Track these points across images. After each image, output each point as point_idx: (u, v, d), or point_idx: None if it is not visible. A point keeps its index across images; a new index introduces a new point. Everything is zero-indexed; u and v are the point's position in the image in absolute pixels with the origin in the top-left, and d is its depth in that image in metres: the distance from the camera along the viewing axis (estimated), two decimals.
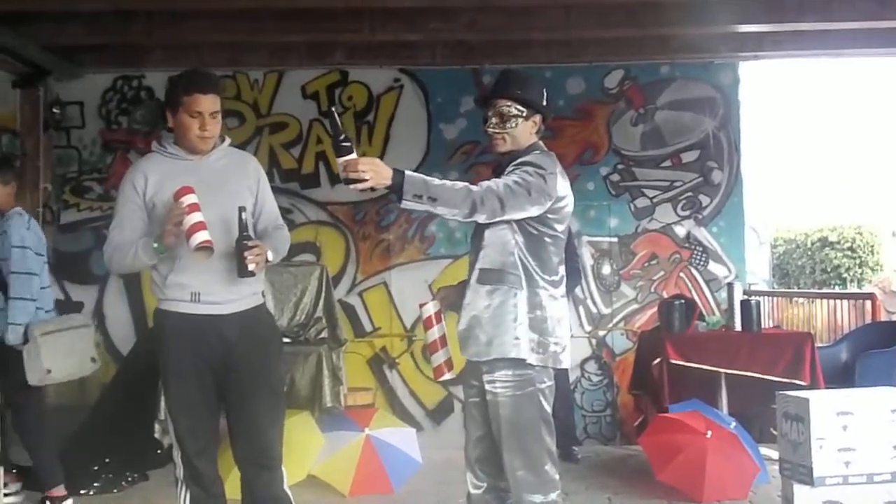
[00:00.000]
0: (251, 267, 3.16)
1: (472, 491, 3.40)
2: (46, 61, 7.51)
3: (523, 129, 3.29)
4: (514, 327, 3.18)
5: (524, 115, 3.27)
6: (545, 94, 3.38)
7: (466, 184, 3.08)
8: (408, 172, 2.97)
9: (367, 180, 2.88)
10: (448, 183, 3.06)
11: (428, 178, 3.02)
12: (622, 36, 7.46)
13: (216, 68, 7.74)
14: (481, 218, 3.08)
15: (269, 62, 7.81)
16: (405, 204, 2.94)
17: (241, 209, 3.20)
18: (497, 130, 3.27)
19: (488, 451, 3.34)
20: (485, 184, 3.10)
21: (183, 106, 3.26)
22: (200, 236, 3.09)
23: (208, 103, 3.28)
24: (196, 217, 3.10)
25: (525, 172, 3.14)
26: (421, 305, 3.45)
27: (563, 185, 3.25)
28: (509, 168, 3.21)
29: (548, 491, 3.24)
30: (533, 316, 3.19)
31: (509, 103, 3.26)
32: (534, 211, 3.15)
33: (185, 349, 3.31)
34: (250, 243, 3.17)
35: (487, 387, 3.22)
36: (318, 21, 6.87)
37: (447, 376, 3.43)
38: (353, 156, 2.91)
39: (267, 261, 3.26)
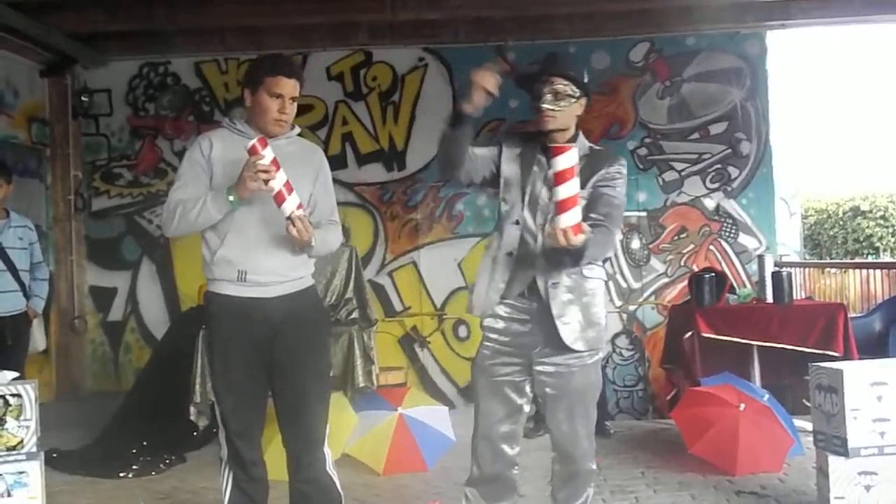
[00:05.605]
0: (293, 231, 3.11)
1: (491, 468, 3.30)
2: (71, 49, 7.59)
3: (571, 111, 3.28)
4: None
5: (576, 96, 3.26)
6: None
7: (604, 231, 3.09)
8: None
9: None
10: (598, 238, 3.04)
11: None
12: (646, 8, 7.40)
13: (240, 52, 7.89)
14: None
15: (292, 45, 7.82)
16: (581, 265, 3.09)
17: None
18: (552, 107, 3.24)
19: (516, 426, 3.34)
20: (605, 225, 3.13)
21: (264, 85, 3.26)
22: (293, 202, 3.10)
23: (290, 87, 3.30)
24: (283, 177, 3.09)
25: (616, 200, 3.20)
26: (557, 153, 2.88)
27: None
28: (603, 183, 3.21)
29: (594, 458, 3.30)
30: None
31: (566, 82, 3.24)
32: None
33: (232, 332, 3.31)
34: (297, 213, 3.14)
35: (555, 359, 3.20)
36: (339, 1, 6.88)
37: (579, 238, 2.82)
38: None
39: (311, 246, 3.24)
